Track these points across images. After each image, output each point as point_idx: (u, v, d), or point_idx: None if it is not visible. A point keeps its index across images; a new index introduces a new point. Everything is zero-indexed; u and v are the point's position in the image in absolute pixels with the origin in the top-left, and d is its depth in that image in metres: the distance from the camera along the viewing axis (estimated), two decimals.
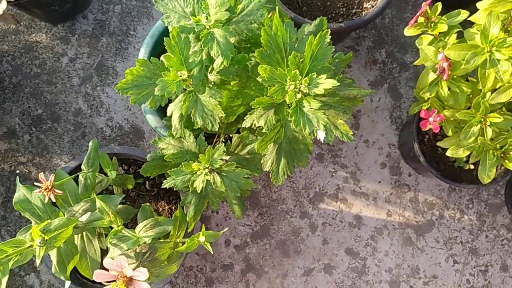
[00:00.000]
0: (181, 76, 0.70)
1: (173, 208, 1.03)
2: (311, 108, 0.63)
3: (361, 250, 1.20)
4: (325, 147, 1.24)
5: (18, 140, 1.27)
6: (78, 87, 1.29)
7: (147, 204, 0.86)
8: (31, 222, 1.25)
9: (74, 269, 0.87)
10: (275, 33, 0.67)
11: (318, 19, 0.79)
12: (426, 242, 1.20)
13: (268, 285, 1.20)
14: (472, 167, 1.02)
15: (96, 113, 1.28)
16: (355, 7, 1.08)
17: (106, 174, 0.89)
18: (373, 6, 1.05)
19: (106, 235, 0.90)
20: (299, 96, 0.61)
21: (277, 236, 1.21)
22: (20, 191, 0.76)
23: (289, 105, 0.66)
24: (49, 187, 0.69)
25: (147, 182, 1.03)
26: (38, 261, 0.62)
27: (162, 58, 0.73)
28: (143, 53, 1.02)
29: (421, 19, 0.74)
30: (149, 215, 0.84)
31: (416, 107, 0.85)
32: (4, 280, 0.59)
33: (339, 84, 0.60)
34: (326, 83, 0.60)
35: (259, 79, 0.63)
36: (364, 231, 1.21)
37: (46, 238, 0.62)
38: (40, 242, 0.61)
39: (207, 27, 0.69)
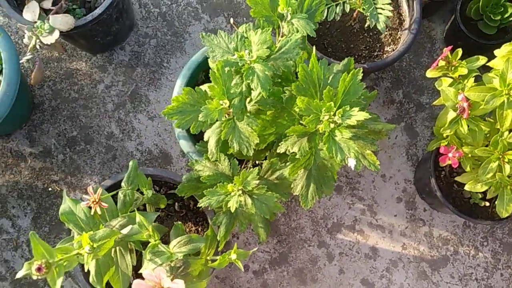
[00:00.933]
0: (223, 104, 0.77)
1: (199, 229, 1.08)
2: (342, 138, 0.69)
3: (376, 281, 1.23)
4: (344, 179, 1.29)
5: (53, 159, 1.34)
6: (112, 112, 1.37)
7: (179, 222, 0.91)
8: (60, 239, 1.30)
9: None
10: (311, 70, 0.74)
11: (346, 59, 0.87)
12: (441, 277, 1.23)
13: None
14: (487, 204, 1.07)
15: (128, 137, 1.35)
16: (377, 50, 1.16)
17: (141, 193, 0.95)
18: (393, 50, 1.13)
19: (137, 252, 0.95)
20: (332, 126, 0.68)
21: (295, 264, 1.25)
22: (66, 204, 0.82)
23: (321, 134, 0.72)
24: (96, 200, 0.75)
25: (176, 204, 1.09)
26: (86, 267, 0.68)
27: (203, 87, 0.81)
28: (179, 84, 1.10)
29: (442, 63, 0.81)
30: (181, 233, 0.89)
31: (435, 144, 0.91)
32: (59, 280, 0.64)
33: (370, 117, 0.67)
34: (358, 115, 0.66)
35: (296, 109, 0.70)
36: (380, 262, 1.24)
37: (95, 246, 0.68)
38: (89, 249, 0.67)
39: (249, 62, 0.77)
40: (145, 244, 1.03)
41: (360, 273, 1.24)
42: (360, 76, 0.71)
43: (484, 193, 1.08)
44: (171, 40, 1.43)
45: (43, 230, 1.30)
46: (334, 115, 0.68)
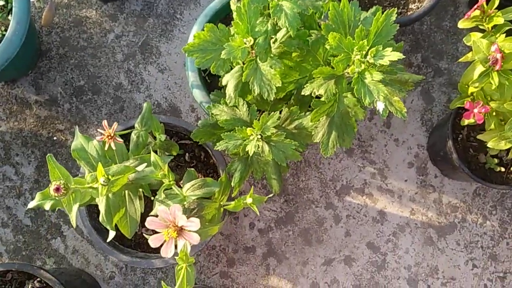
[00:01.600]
0: (247, 43, 0.74)
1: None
2: (372, 80, 0.66)
3: (382, 245, 1.23)
4: (356, 142, 1.27)
5: (59, 108, 1.31)
6: (121, 63, 1.33)
7: (192, 169, 0.89)
8: None
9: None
10: (342, 9, 0.71)
11: (374, 7, 0.83)
12: (447, 244, 1.22)
13: (288, 271, 1.22)
14: (503, 169, 1.05)
15: (136, 89, 1.32)
16: (401, 7, 1.12)
17: (154, 138, 0.92)
18: (418, 8, 1.10)
19: (146, 198, 0.94)
20: (363, 66, 0.65)
21: (301, 224, 1.24)
22: (78, 140, 0.80)
23: (349, 78, 0.70)
24: (112, 135, 0.72)
25: (187, 154, 1.07)
26: (100, 199, 0.66)
27: (229, 26, 0.77)
28: (196, 30, 1.06)
29: (476, 13, 0.78)
30: (194, 179, 0.87)
31: (458, 101, 0.89)
32: (75, 206, 0.62)
33: (404, 57, 0.64)
34: (392, 55, 0.64)
35: (327, 46, 0.67)
36: (387, 227, 1.23)
37: (110, 178, 0.65)
38: (103, 181, 0.65)
39: None
40: (154, 191, 1.01)
41: (367, 236, 1.23)
42: (394, 17, 0.68)
43: (501, 158, 1.06)
44: None
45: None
46: (366, 54, 0.65)
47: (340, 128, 0.77)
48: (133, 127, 0.88)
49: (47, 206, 0.66)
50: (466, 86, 0.86)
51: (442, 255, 1.22)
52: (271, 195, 0.88)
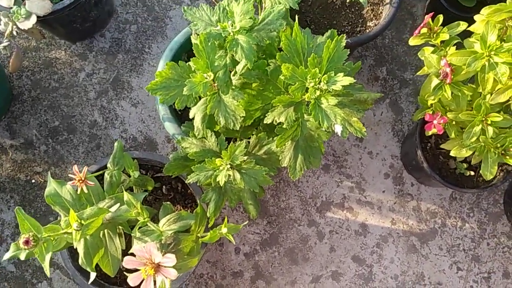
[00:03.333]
0: (207, 78, 0.76)
1: (188, 211, 1.07)
2: (328, 105, 0.69)
3: (367, 257, 1.24)
4: (331, 158, 1.29)
5: (35, 150, 1.31)
6: (94, 100, 1.35)
7: (168, 203, 0.90)
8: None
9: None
10: (295, 39, 0.74)
11: (329, 31, 0.86)
12: (430, 250, 1.24)
13: None
14: (472, 173, 1.08)
15: (111, 125, 1.33)
16: (359, 25, 1.16)
17: (128, 176, 0.93)
18: (376, 25, 1.14)
19: (126, 237, 0.94)
20: (318, 93, 0.68)
21: (286, 244, 1.25)
22: (51, 186, 0.80)
23: (307, 103, 0.72)
24: (82, 179, 0.73)
25: (164, 187, 1.08)
26: (75, 244, 0.66)
27: (189, 63, 0.80)
28: (161, 65, 1.08)
29: (424, 30, 0.82)
30: (170, 212, 0.88)
31: (420, 113, 0.92)
32: (48, 256, 0.63)
33: (355, 81, 0.66)
34: (344, 80, 0.66)
35: (282, 77, 0.69)
36: (370, 239, 1.25)
37: (83, 222, 0.66)
38: (77, 227, 0.65)
39: (232, 33, 0.76)
40: (133, 227, 1.02)
41: (351, 250, 1.24)
42: (343, 43, 0.71)
43: (469, 162, 1.09)
44: (152, 25, 1.41)
45: None
46: (320, 81, 0.67)
47: (306, 151, 0.79)
48: (106, 166, 0.89)
49: (22, 256, 0.66)
50: (425, 98, 0.89)
51: (426, 261, 1.24)
52: (245, 223, 0.89)
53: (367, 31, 1.14)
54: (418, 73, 0.94)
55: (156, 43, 1.39)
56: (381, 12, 1.16)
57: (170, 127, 1.05)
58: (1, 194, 1.28)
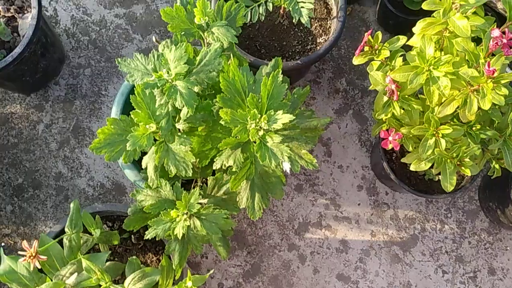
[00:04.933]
0: (150, 129, 0.74)
1: (161, 258, 1.04)
2: (274, 143, 0.67)
3: (351, 274, 1.22)
4: (302, 177, 1.27)
5: (1, 212, 1.27)
6: (57, 151, 1.32)
7: (134, 257, 0.87)
8: None
9: None
10: (233, 79, 0.72)
11: (273, 60, 0.85)
12: (413, 257, 1.23)
13: None
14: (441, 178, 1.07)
15: (77, 174, 1.30)
16: (309, 43, 1.15)
17: (90, 234, 0.90)
18: (326, 40, 1.13)
19: None
20: (261, 133, 0.66)
21: (269, 272, 1.22)
22: (5, 263, 0.77)
23: (254, 142, 0.70)
24: (33, 254, 0.70)
25: (132, 236, 1.05)
26: None
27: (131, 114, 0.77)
28: (115, 112, 1.06)
29: (366, 48, 0.81)
30: (136, 268, 0.85)
31: (377, 128, 0.91)
32: None
33: (294, 118, 0.65)
34: (283, 118, 0.64)
35: (222, 122, 0.67)
36: (352, 254, 1.23)
37: None
38: None
39: (169, 80, 0.74)
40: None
41: (335, 269, 1.22)
42: (280, 78, 0.69)
43: None
44: (105, 67, 1.38)
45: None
46: (261, 121, 0.66)
47: (263, 188, 0.77)
48: (63, 230, 0.86)
49: None
50: (378, 114, 0.88)
51: (411, 269, 1.22)
52: (212, 271, 0.87)
53: (318, 47, 1.13)
54: (370, 88, 0.92)
55: (112, 83, 1.37)
56: (329, 27, 1.15)
57: (131, 174, 1.02)
58: None
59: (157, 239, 0.77)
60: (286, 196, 1.27)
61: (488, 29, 0.73)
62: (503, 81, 0.71)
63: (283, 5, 1.08)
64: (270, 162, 0.67)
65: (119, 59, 0.77)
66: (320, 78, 1.34)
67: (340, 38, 1.17)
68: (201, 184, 0.97)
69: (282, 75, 0.69)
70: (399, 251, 1.23)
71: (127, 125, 0.77)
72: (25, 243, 0.72)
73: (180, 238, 0.82)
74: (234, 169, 0.71)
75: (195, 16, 0.85)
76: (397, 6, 1.22)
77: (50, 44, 1.27)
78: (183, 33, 0.84)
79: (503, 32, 0.73)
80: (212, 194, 0.85)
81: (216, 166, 0.72)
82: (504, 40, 0.71)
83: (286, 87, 0.69)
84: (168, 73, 0.73)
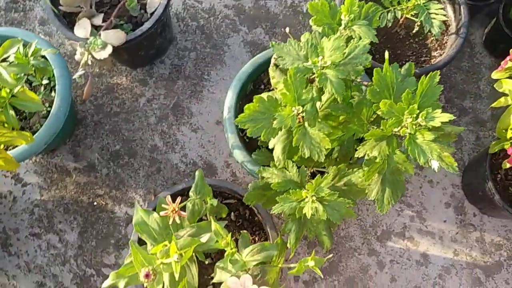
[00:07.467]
0: (295, 111, 0.78)
1: (256, 239, 1.07)
2: (424, 140, 0.69)
3: None
4: None
5: (97, 173, 1.34)
6: (155, 125, 1.38)
7: (245, 231, 0.91)
8: (106, 253, 1.29)
9: None
10: (385, 74, 0.75)
11: (407, 64, 0.87)
12: (495, 284, 1.21)
13: None
14: None
15: (172, 149, 1.36)
16: (424, 55, 1.17)
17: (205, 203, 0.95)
18: (440, 55, 1.14)
19: (199, 263, 0.95)
20: (415, 128, 0.68)
21: (346, 273, 1.24)
22: (138, 214, 0.82)
23: (399, 138, 0.73)
24: (176, 209, 0.75)
25: (232, 213, 1.09)
26: (176, 275, 0.67)
27: (276, 95, 0.82)
28: (230, 96, 1.11)
29: (509, 64, 0.82)
30: (248, 241, 0.89)
31: (497, 145, 0.91)
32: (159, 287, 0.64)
33: (454, 117, 0.67)
34: (442, 116, 0.67)
35: (379, 112, 0.70)
36: (432, 269, 1.23)
37: (183, 253, 0.68)
38: (177, 258, 0.67)
39: (321, 68, 0.77)
40: (207, 254, 1.03)
41: (412, 281, 1.22)
42: (437, 79, 0.72)
43: None
44: (210, 53, 1.44)
45: (90, 245, 1.30)
46: (417, 117, 0.68)
47: (393, 184, 0.79)
48: (180, 193, 0.90)
49: (121, 285, 0.68)
50: (504, 130, 0.89)
51: None
52: (329, 256, 0.89)
53: (432, 61, 1.14)
54: (493, 105, 0.93)
55: (215, 70, 1.43)
56: (445, 42, 1.17)
57: (240, 155, 1.06)
58: (65, 215, 1.32)
59: (282, 216, 0.81)
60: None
61: None
62: None
63: (405, 15, 1.11)
64: (419, 158, 0.69)
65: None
66: None
67: None
68: (309, 174, 1.00)
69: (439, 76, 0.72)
70: (482, 275, 1.22)
71: (271, 105, 0.81)
72: (169, 198, 0.77)
73: (298, 218, 0.85)
74: (377, 160, 0.74)
75: (340, 12, 0.89)
76: None
77: (167, 24, 1.35)
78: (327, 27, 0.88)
79: None
80: (333, 183, 0.87)
81: (358, 154, 0.75)
82: None
83: (441, 88, 0.72)
84: (322, 60, 0.77)
